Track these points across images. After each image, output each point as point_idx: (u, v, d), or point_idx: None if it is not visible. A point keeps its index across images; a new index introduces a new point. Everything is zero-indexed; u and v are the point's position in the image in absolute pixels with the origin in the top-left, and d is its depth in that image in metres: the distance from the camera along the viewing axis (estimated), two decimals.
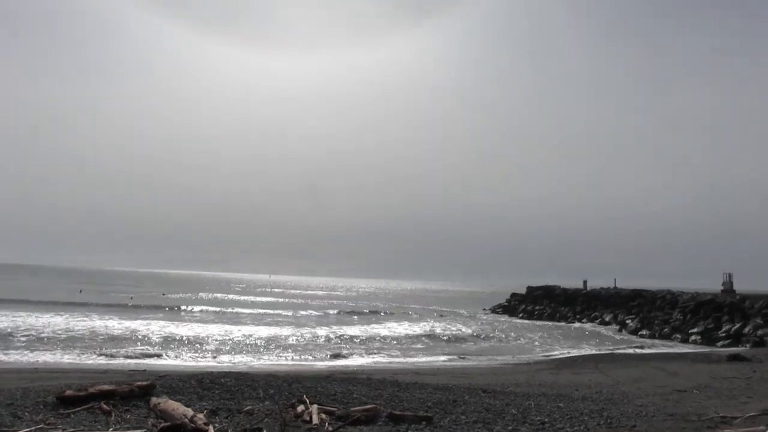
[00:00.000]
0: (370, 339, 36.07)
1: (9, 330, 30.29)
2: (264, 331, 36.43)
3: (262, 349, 29.00)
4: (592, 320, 55.97)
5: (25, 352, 24.42)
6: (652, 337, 43.54)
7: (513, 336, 41.93)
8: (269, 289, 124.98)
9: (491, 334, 42.40)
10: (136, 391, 10.87)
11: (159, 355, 25.27)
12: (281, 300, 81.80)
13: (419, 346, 34.58)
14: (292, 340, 33.12)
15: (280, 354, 27.89)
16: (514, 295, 75.05)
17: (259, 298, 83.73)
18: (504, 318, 62.82)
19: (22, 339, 28.05)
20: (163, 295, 75.47)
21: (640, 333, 45.74)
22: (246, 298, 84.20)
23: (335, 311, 61.32)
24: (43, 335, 29.47)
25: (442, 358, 29.04)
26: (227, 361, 24.51)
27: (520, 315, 65.16)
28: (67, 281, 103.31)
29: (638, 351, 33.94)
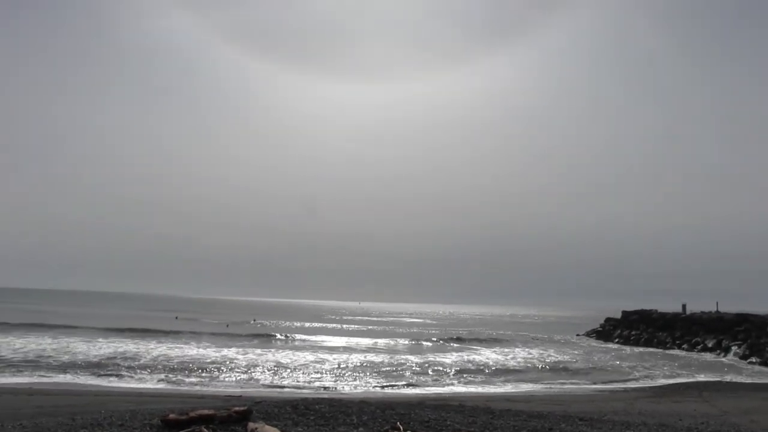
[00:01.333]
0: (462, 365, 35.56)
1: (115, 356, 32.06)
2: (356, 358, 36.69)
3: (354, 376, 29.19)
4: (692, 346, 52.73)
5: (130, 376, 25.63)
6: (763, 364, 40.46)
7: (609, 362, 40.14)
8: (359, 317, 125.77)
9: (586, 360, 40.77)
10: (234, 417, 11.11)
11: (254, 382, 25.85)
12: (372, 328, 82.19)
13: (511, 372, 33.73)
14: (385, 367, 33.14)
15: (373, 380, 27.97)
16: (608, 320, 72.11)
17: (349, 326, 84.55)
18: (598, 343, 60.37)
19: (127, 365, 29.52)
20: (253, 321, 77.57)
21: (749, 360, 42.63)
22: (337, 325, 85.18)
23: (426, 338, 60.92)
24: (144, 361, 30.89)
25: (535, 384, 28.15)
26: (320, 388, 24.75)
27: (616, 340, 62.44)
28: (163, 309, 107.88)
29: (748, 380, 31.62)
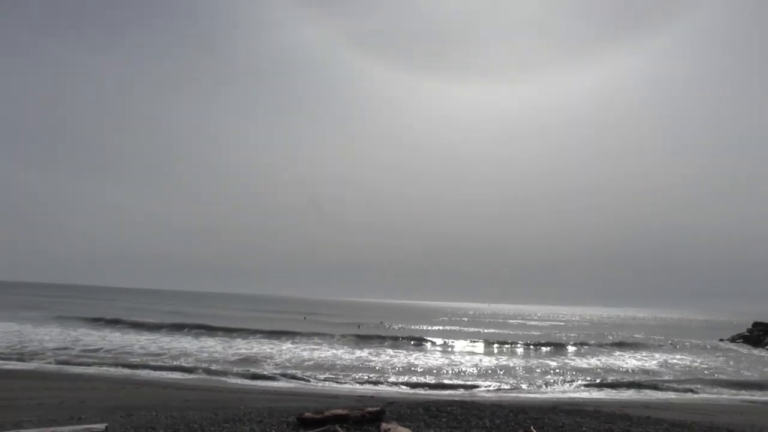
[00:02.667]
0: (599, 369, 34.09)
1: (251, 356, 33.90)
2: (489, 361, 36.28)
3: (487, 379, 28.80)
4: None
5: (266, 375, 26.85)
6: None
7: (759, 370, 36.75)
8: (489, 320, 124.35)
9: (731, 367, 37.61)
10: (367, 417, 11.24)
11: (386, 383, 26.19)
12: (504, 330, 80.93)
13: (650, 377, 31.79)
14: (519, 370, 32.46)
15: (505, 383, 27.44)
16: (756, 324, 66.12)
17: (480, 329, 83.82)
18: (745, 350, 55.46)
19: (262, 364, 30.92)
20: (381, 323, 78.67)
21: None
22: (469, 328, 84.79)
23: (559, 341, 59.00)
24: (279, 361, 32.30)
25: (674, 392, 26.34)
26: (452, 390, 24.63)
27: (767, 346, 57.01)
28: (291, 310, 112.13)
29: None
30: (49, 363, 28.19)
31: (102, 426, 10.45)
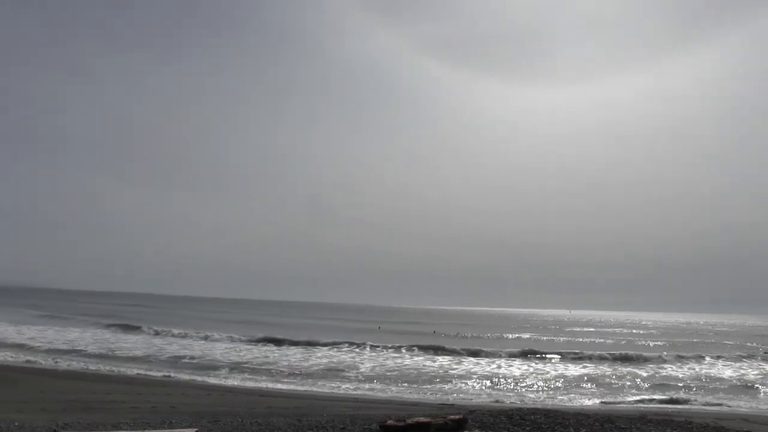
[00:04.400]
0: (689, 378, 32.75)
1: (332, 365, 34.92)
2: (574, 369, 35.61)
3: (571, 387, 28.24)
4: None
5: (347, 383, 27.33)
6: None
7: None
8: (572, 328, 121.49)
9: None
10: (449, 424, 11.37)
11: (468, 391, 26.19)
12: (588, 339, 79.02)
13: (753, 389, 30.28)
14: (605, 379, 31.67)
15: (591, 392, 26.82)
16: None
17: (561, 338, 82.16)
18: None
19: (343, 373, 31.70)
20: (457, 333, 78.11)
21: None
22: (551, 337, 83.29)
23: (649, 348, 57.08)
24: (361, 369, 32.92)
25: None
26: (535, 398, 24.33)
27: None
28: (365, 319, 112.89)
29: None
30: (141, 369, 29.69)
31: (193, 431, 11.00)
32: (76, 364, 31.21)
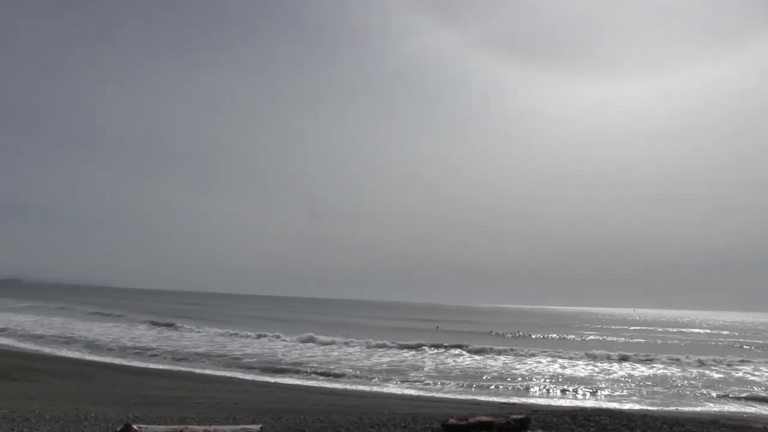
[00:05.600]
0: (761, 381, 31.51)
1: (393, 364, 35.58)
2: (641, 370, 34.96)
3: (637, 388, 27.59)
4: None
5: (406, 382, 27.56)
6: None
7: None
8: (637, 327, 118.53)
9: None
10: (512, 424, 11.38)
11: (530, 391, 26.00)
12: (655, 338, 77.07)
13: None
14: (675, 380, 30.87)
15: (658, 393, 26.19)
16: None
17: (625, 338, 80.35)
18: None
19: (402, 371, 31.95)
20: (518, 332, 77.30)
21: None
22: (614, 338, 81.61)
23: (722, 348, 55.20)
24: (424, 369, 33.15)
25: None
26: (600, 399, 23.96)
27: None
28: (423, 318, 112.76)
29: None
30: (204, 366, 30.68)
31: (257, 427, 11.34)
32: (142, 361, 32.50)
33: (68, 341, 41.26)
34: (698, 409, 22.64)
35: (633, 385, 29.04)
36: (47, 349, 35.84)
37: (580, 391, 26.40)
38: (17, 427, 11.31)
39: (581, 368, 35.14)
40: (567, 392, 26.18)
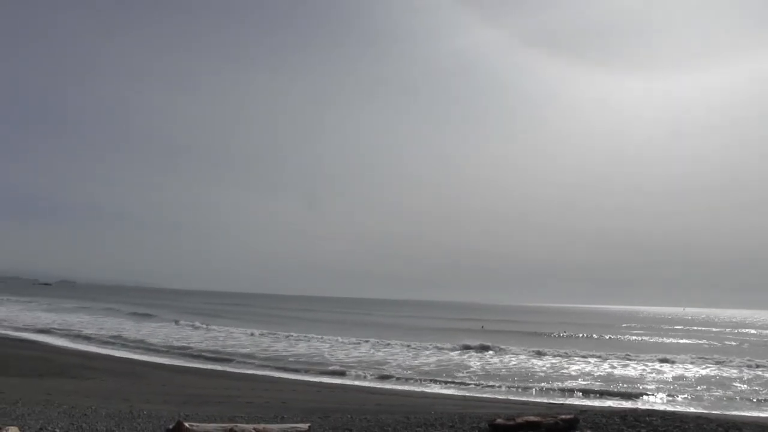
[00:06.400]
0: None
1: (444, 362, 35.48)
2: (694, 370, 34.29)
3: (691, 389, 26.97)
4: None
5: (452, 382, 27.57)
6: None
7: None
8: (690, 326, 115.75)
9: None
10: (560, 424, 11.32)
11: (578, 391, 25.73)
12: (708, 339, 75.12)
13: None
14: (732, 383, 30.09)
15: (713, 395, 25.57)
16: None
17: (679, 335, 78.54)
18: None
19: (449, 371, 31.86)
20: (565, 332, 76.22)
21: None
22: (664, 336, 79.88)
23: None
24: (468, 368, 33.04)
25: None
26: (650, 400, 23.57)
27: None
28: (467, 317, 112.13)
29: None
30: (252, 366, 31.26)
31: (305, 426, 11.54)
32: (191, 360, 33.28)
33: (119, 341, 42.49)
34: (755, 413, 22.03)
35: (686, 386, 28.43)
36: (100, 349, 37.04)
37: (630, 392, 25.97)
38: (76, 423, 11.77)
39: (631, 368, 34.57)
40: (616, 393, 25.79)
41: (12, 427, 9.59)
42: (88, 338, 43.96)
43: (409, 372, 31.17)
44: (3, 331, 46.15)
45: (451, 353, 40.54)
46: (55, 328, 50.98)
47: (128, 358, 32.52)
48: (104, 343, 41.31)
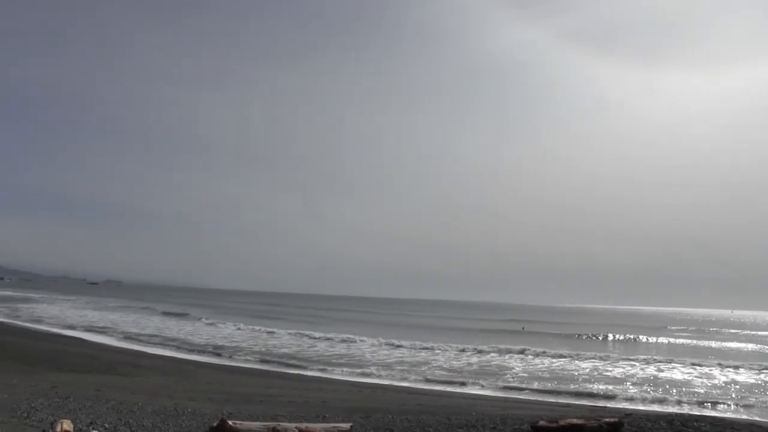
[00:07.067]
0: None
1: (486, 363, 35.51)
2: (745, 375, 33.23)
3: (742, 396, 26.19)
4: None
5: (495, 383, 27.39)
6: None
7: None
8: (740, 330, 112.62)
9: None
10: (604, 428, 11.24)
11: (619, 394, 25.29)
12: (760, 345, 72.92)
13: None
14: None
15: (766, 402, 24.79)
16: None
17: (730, 340, 76.61)
18: None
19: (490, 372, 31.81)
20: (605, 334, 74.81)
21: None
22: (718, 344, 77.91)
23: None
24: (512, 370, 32.91)
25: None
26: (698, 405, 23.01)
27: None
28: (506, 318, 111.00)
29: None
30: (294, 365, 31.62)
31: (347, 425, 11.65)
32: (234, 359, 33.81)
33: (162, 340, 43.41)
34: None
35: (736, 392, 27.63)
36: (144, 347, 37.91)
37: (676, 397, 25.37)
38: (124, 418, 12.13)
39: (678, 372, 33.78)
40: (663, 397, 25.23)
41: (66, 420, 9.95)
42: (132, 336, 45.02)
43: (449, 373, 31.08)
44: (54, 329, 47.65)
45: (492, 354, 40.25)
46: (101, 326, 52.48)
47: (172, 357, 33.23)
48: (148, 341, 42.23)
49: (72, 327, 50.81)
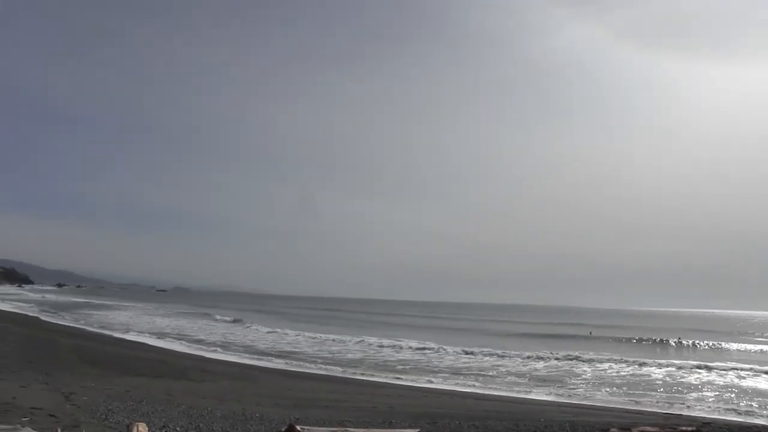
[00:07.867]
0: None
1: (553, 371, 34.67)
2: None
3: None
4: None
5: (563, 389, 26.90)
6: None
7: None
8: None
9: None
10: None
11: (695, 402, 24.40)
12: None
13: None
14: None
15: None
16: None
17: None
18: None
19: (565, 380, 31.12)
20: (678, 339, 72.35)
21: None
22: None
23: None
24: (582, 377, 32.19)
25: None
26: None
27: None
28: (573, 322, 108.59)
29: None
30: (358, 371, 31.86)
31: (414, 431, 11.69)
32: (299, 365, 34.30)
33: (229, 345, 44.43)
34: None
35: None
36: (211, 353, 38.84)
37: (760, 407, 24.29)
38: (194, 422, 12.52)
39: (762, 381, 32.31)
40: (744, 407, 24.18)
41: (141, 424, 10.36)
42: (200, 342, 46.27)
43: (517, 378, 30.74)
44: (125, 335, 49.43)
45: (562, 360, 39.53)
46: (169, 332, 54.16)
47: (237, 362, 33.95)
48: (215, 346, 43.25)
49: (141, 332, 52.61)
